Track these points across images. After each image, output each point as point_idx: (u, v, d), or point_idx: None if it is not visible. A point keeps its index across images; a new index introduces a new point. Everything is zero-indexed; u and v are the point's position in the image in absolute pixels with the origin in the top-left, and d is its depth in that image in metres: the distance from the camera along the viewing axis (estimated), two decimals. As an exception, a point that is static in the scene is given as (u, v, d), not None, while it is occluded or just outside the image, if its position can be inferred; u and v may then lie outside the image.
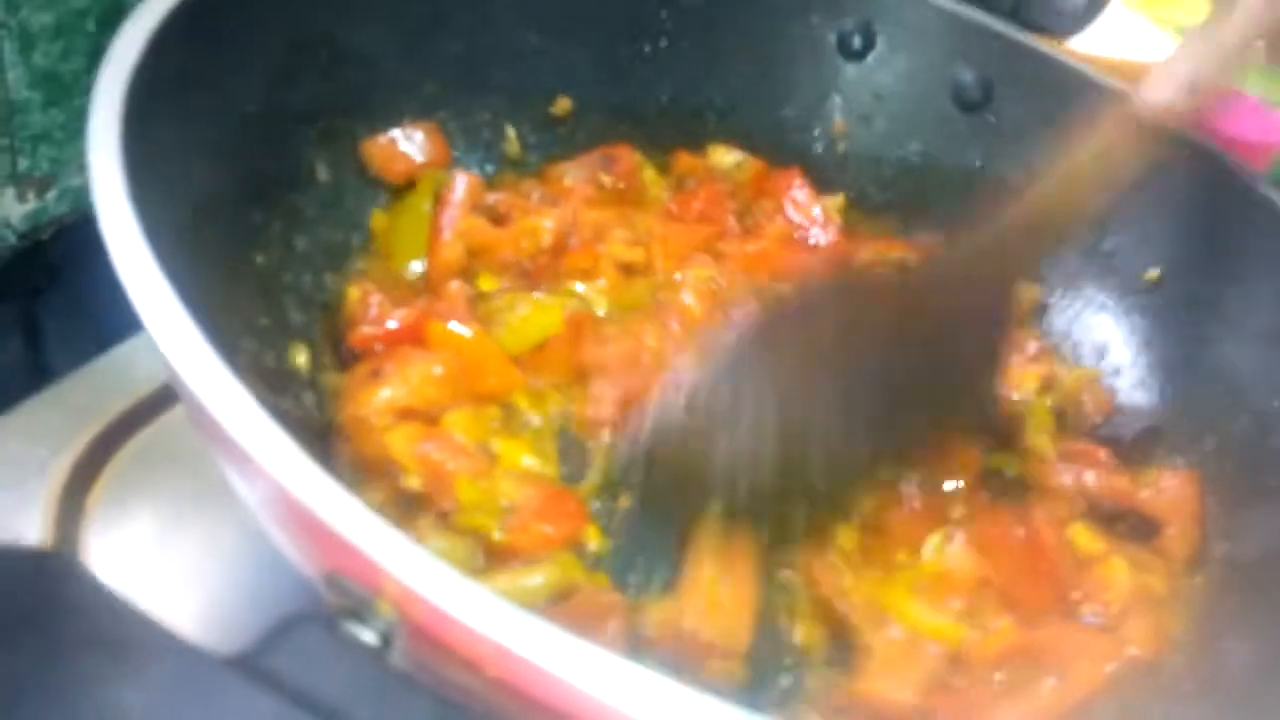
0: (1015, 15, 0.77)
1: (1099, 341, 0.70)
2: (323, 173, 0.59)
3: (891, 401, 0.55)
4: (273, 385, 0.49)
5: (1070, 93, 0.73)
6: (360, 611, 0.32)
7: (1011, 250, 0.57)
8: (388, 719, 0.26)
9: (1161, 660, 0.52)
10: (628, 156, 0.71)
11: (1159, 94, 0.53)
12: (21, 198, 0.64)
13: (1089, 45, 0.98)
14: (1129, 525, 0.60)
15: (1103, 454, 0.63)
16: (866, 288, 0.60)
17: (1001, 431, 0.63)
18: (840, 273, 0.65)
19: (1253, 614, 0.54)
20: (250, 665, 0.24)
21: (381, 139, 0.64)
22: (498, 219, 0.64)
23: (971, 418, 0.61)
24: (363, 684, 0.26)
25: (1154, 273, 0.69)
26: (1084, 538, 0.58)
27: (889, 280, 0.62)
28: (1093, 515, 0.60)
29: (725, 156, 0.75)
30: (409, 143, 0.65)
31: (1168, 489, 0.60)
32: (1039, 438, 0.64)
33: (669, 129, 0.75)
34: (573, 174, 0.70)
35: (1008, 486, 0.61)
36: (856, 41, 0.77)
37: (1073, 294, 0.72)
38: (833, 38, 0.77)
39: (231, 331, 0.48)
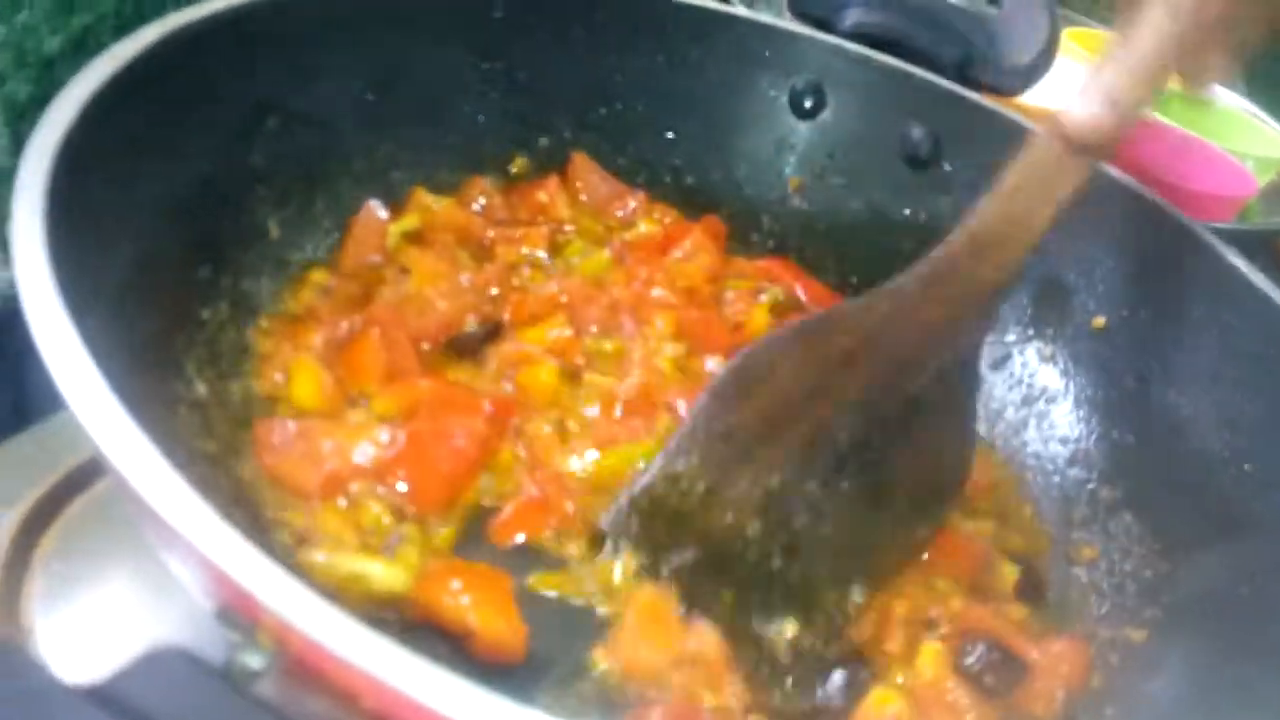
0: (962, 73, 0.79)
1: (1049, 389, 0.71)
2: (274, 231, 0.61)
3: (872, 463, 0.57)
4: (203, 437, 0.50)
5: (1016, 147, 0.74)
6: (246, 644, 0.33)
7: (961, 278, 0.58)
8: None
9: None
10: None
11: (1081, 113, 0.54)
12: (9, 263, 0.66)
13: (1045, 101, 1.00)
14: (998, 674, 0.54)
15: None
16: (824, 329, 0.60)
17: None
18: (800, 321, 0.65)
19: (1188, 654, 0.54)
20: (101, 693, 0.25)
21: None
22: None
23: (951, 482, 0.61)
24: (214, 714, 0.27)
25: (1100, 320, 0.69)
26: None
27: (845, 318, 0.61)
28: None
29: None
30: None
31: (1057, 655, 0.55)
32: None
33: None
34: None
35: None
36: (808, 101, 0.79)
37: (1025, 344, 0.73)
38: (784, 98, 0.79)
39: (169, 389, 0.50)
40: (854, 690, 0.51)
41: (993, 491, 0.68)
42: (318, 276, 0.63)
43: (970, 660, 0.52)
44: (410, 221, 0.68)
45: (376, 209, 0.66)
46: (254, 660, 0.32)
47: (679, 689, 0.48)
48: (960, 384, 0.61)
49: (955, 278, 0.58)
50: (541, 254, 0.71)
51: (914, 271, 0.59)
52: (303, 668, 0.32)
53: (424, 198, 0.70)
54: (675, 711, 0.47)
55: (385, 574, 0.50)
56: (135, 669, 0.26)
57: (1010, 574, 0.60)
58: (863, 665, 0.52)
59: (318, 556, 0.50)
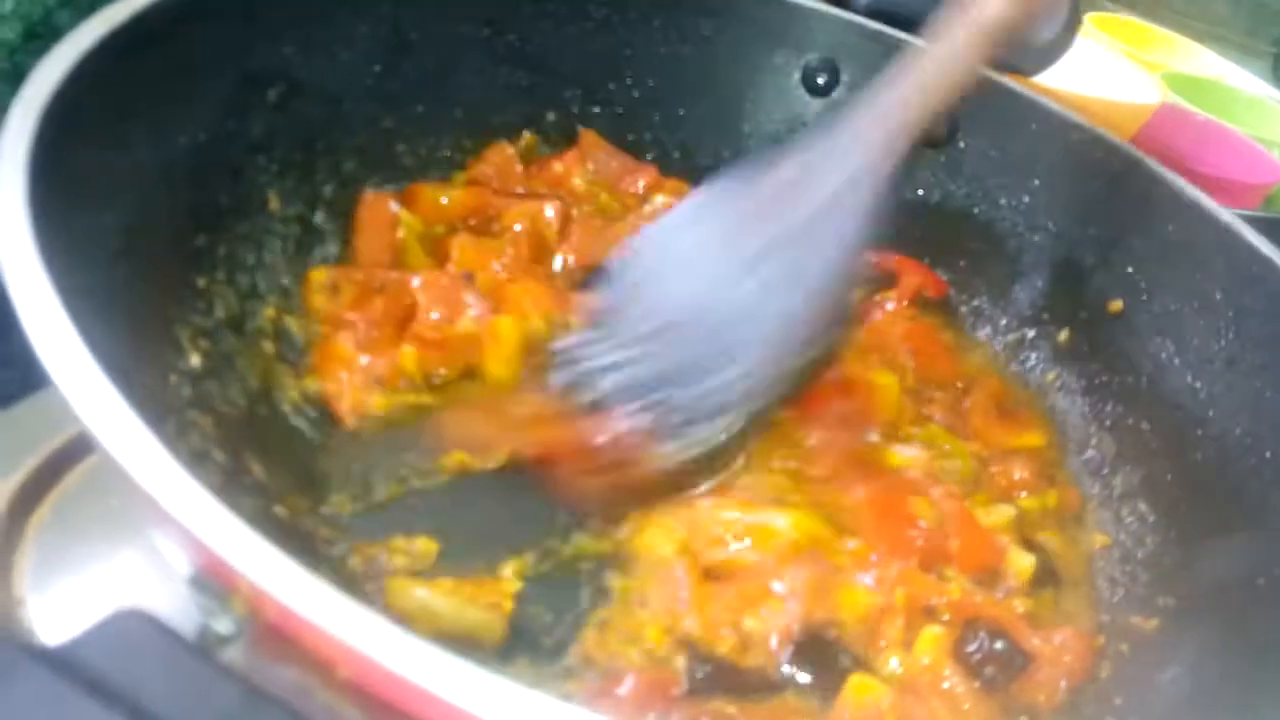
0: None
1: (1063, 372, 0.69)
2: (274, 201, 0.60)
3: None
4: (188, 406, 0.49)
5: (1034, 127, 0.73)
6: (219, 610, 0.32)
7: (871, 139, 0.58)
8: (183, 714, 0.26)
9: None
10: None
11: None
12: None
13: (1072, 85, 0.98)
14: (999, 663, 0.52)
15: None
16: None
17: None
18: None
19: (1201, 645, 0.52)
20: (58, 656, 0.24)
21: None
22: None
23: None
24: (169, 678, 0.26)
25: (1117, 304, 0.68)
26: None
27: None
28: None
29: None
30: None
31: (1061, 645, 0.54)
32: None
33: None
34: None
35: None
36: (821, 78, 0.77)
37: (1039, 326, 0.72)
38: (797, 75, 0.77)
39: (160, 358, 0.49)
40: (819, 669, 0.49)
41: (1040, 453, 0.66)
42: (317, 277, 0.61)
43: (971, 649, 0.51)
44: (417, 224, 0.67)
45: (386, 201, 0.65)
46: (223, 625, 0.31)
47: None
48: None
49: (868, 140, 0.58)
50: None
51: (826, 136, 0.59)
52: (277, 635, 0.31)
53: (428, 192, 0.69)
54: (645, 684, 0.46)
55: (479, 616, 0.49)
56: (96, 632, 0.26)
57: (1024, 562, 0.58)
58: (831, 646, 0.51)
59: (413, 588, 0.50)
